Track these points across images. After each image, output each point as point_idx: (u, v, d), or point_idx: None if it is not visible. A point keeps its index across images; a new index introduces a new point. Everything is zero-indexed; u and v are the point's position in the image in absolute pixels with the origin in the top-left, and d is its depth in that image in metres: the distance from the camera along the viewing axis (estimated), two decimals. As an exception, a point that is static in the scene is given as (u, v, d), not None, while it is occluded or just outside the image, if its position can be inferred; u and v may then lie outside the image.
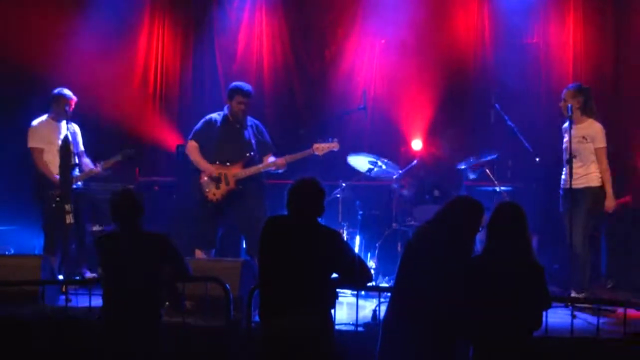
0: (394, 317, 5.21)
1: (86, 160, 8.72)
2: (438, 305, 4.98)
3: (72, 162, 8.15)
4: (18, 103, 10.01)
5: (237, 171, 8.21)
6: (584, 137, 7.75)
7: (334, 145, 8.33)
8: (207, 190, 8.21)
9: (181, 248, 5.89)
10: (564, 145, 7.88)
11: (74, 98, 8.58)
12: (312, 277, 5.13)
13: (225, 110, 8.40)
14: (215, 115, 8.45)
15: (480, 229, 5.28)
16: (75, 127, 8.67)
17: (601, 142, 7.79)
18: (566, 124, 7.79)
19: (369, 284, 5.83)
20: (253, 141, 8.37)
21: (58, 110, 8.53)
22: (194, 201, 8.37)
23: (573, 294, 7.49)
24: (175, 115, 11.02)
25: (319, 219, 5.34)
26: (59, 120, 8.57)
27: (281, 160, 8.28)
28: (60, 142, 8.30)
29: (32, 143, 8.50)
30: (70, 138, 8.21)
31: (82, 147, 8.77)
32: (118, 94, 10.53)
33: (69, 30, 10.44)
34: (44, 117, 8.58)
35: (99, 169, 8.62)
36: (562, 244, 7.99)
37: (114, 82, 10.56)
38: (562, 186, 7.90)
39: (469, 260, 5.16)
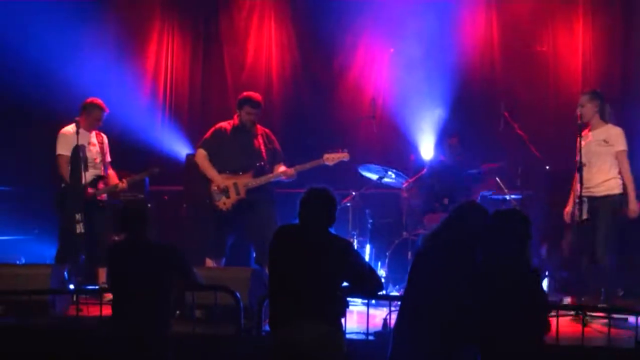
0: (404, 325, 5.20)
1: (112, 173, 8.68)
2: (447, 311, 4.97)
3: (85, 172, 8.13)
4: (26, 114, 10.06)
5: (247, 180, 8.21)
6: (604, 141, 7.70)
7: (344, 156, 8.34)
8: (217, 199, 8.22)
9: (191, 257, 5.90)
10: (582, 152, 7.83)
11: (107, 109, 8.54)
12: (323, 286, 5.12)
13: (236, 120, 8.41)
14: (225, 124, 8.46)
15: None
16: (104, 138, 8.64)
17: (622, 145, 7.72)
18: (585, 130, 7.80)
19: (380, 293, 5.82)
20: (263, 150, 8.37)
21: (89, 119, 8.47)
22: (204, 210, 8.38)
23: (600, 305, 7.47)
24: (185, 125, 11.05)
25: (330, 229, 5.34)
26: (89, 130, 8.52)
27: (291, 170, 8.29)
28: (88, 153, 8.31)
29: (60, 150, 8.38)
30: (85, 147, 8.22)
31: (109, 158, 8.72)
32: (127, 103, 10.54)
33: (79, 40, 10.49)
34: (72, 125, 8.34)
35: (124, 185, 8.59)
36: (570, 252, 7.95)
37: (123, 92, 10.59)
38: (580, 194, 7.80)
39: (474, 266, 5.16)
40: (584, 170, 7.60)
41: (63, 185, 8.36)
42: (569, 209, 7.94)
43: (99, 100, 8.55)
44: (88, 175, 8.23)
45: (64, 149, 8.37)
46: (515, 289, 4.93)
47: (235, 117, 8.43)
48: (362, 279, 5.28)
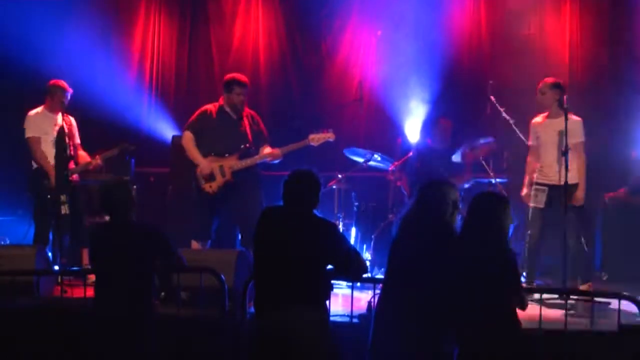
0: (385, 309, 5.21)
1: (82, 153, 8.66)
2: (426, 292, 4.99)
3: (68, 154, 8.16)
4: (12, 94, 10.01)
5: (233, 162, 8.19)
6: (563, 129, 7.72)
7: (329, 136, 8.32)
8: (203, 182, 8.20)
9: (176, 239, 5.88)
10: (537, 141, 7.91)
11: (70, 90, 8.54)
12: (307, 268, 5.11)
13: (221, 102, 8.39)
14: (211, 107, 8.42)
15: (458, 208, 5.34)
16: (72, 120, 8.63)
17: (581, 136, 7.79)
18: (538, 119, 7.82)
19: (364, 276, 5.83)
20: (249, 132, 8.35)
21: (53, 101, 8.49)
22: (190, 192, 8.37)
23: (580, 286, 7.55)
24: (171, 107, 11.01)
25: (315, 211, 5.34)
26: (54, 112, 8.53)
27: (277, 151, 8.27)
28: (55, 133, 8.31)
29: (29, 133, 8.44)
30: (65, 130, 8.21)
31: (78, 140, 8.72)
32: (114, 85, 10.51)
33: (64, 21, 10.43)
34: (40, 108, 8.53)
35: (97, 161, 8.59)
36: (554, 237, 7.98)
37: (109, 73, 10.55)
38: (542, 181, 7.89)
39: (451, 244, 5.18)
40: (541, 157, 7.83)
41: (34, 167, 8.40)
42: (526, 191, 8.03)
43: (61, 82, 8.56)
44: None
45: (32, 131, 8.44)
46: (490, 264, 4.97)
47: (221, 99, 8.40)
48: (347, 262, 5.28)
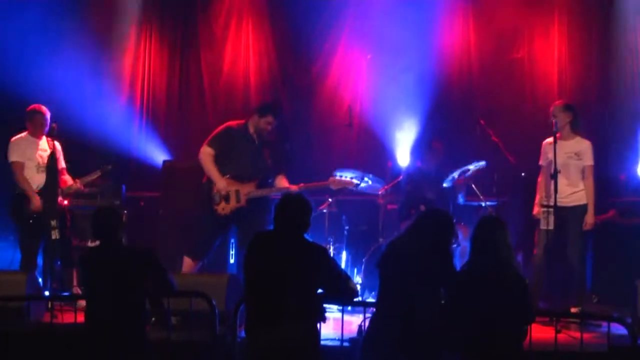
0: (378, 333, 5.22)
1: (66, 178, 8.65)
2: (422, 318, 5.00)
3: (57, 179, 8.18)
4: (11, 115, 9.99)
5: (250, 190, 8.09)
6: (575, 154, 7.84)
7: (350, 183, 8.30)
8: (216, 202, 8.09)
9: (167, 263, 5.88)
10: (547, 161, 7.95)
11: (48, 113, 8.56)
12: (298, 291, 5.12)
13: (248, 124, 8.32)
14: (235, 125, 8.33)
15: (454, 239, 5.37)
16: (56, 144, 8.56)
17: (591, 160, 7.91)
18: (550, 139, 7.86)
19: (355, 300, 5.84)
20: (270, 161, 8.30)
21: (34, 127, 8.54)
22: (200, 209, 8.31)
23: (573, 309, 7.61)
24: (162, 131, 10.99)
25: (306, 235, 5.36)
26: (37, 137, 8.57)
27: (294, 187, 8.17)
28: (39, 158, 8.40)
29: (12, 157, 8.46)
30: (47, 151, 8.28)
31: (63, 164, 8.71)
32: (104, 109, 10.51)
33: (55, 44, 10.44)
34: (24, 133, 8.57)
35: (78, 185, 8.60)
36: (547, 259, 8.01)
37: (100, 97, 10.55)
38: (546, 202, 7.93)
39: (451, 272, 5.20)
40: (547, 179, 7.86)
41: (17, 192, 8.42)
42: (538, 209, 8.07)
43: (38, 106, 8.61)
44: (40, 181, 8.35)
45: (15, 156, 8.47)
46: (507, 294, 4.98)
47: (250, 121, 8.32)
48: (338, 285, 5.29)
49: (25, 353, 6.47)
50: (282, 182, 8.29)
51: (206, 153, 8.21)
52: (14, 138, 8.57)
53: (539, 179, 8.26)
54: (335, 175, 8.32)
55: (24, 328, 6.90)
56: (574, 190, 7.84)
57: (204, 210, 8.23)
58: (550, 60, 10.33)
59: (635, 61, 9.97)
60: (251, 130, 8.26)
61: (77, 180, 8.61)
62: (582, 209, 7.84)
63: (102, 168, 8.76)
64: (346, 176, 8.77)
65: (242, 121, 8.37)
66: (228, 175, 8.14)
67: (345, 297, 5.48)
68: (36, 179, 8.40)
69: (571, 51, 10.26)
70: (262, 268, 5.21)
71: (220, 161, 8.18)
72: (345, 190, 9.09)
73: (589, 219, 7.87)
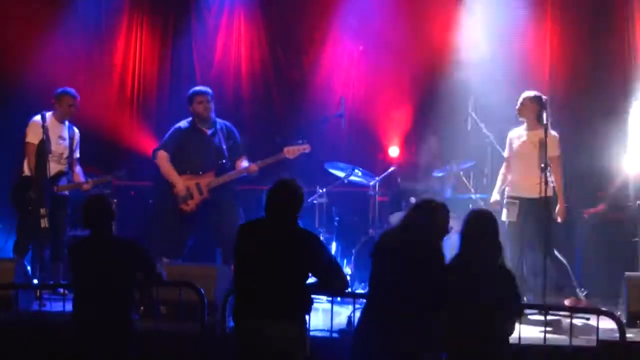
0: (369, 324, 5.21)
1: (78, 170, 8.59)
2: (412, 310, 5.00)
3: (48, 167, 8.08)
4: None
5: (209, 180, 8.18)
6: (538, 143, 7.77)
7: (304, 147, 8.32)
8: (180, 201, 8.17)
9: (156, 253, 5.87)
10: (514, 151, 7.98)
11: (78, 97, 8.49)
12: (289, 280, 5.08)
13: (194, 120, 8.39)
14: (184, 123, 8.44)
15: (448, 231, 5.36)
16: (76, 132, 8.54)
17: (557, 150, 7.87)
18: (514, 130, 8.03)
19: (345, 291, 5.80)
20: (224, 147, 8.34)
21: (62, 109, 8.42)
22: (164, 209, 8.34)
23: (567, 302, 7.64)
24: (153, 120, 10.96)
25: (298, 221, 5.29)
26: (62, 121, 8.47)
27: (253, 166, 8.25)
28: (55, 145, 8.27)
29: (30, 138, 8.27)
30: (67, 140, 8.25)
31: (77, 154, 8.63)
32: (95, 98, 10.46)
33: (45, 33, 10.39)
34: (49, 113, 8.25)
35: (89, 186, 8.52)
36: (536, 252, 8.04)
37: (91, 86, 10.50)
38: (514, 194, 7.97)
39: (441, 264, 5.20)
40: (511, 170, 7.98)
41: (22, 175, 8.31)
42: (496, 199, 8.16)
43: (69, 89, 8.50)
44: (52, 170, 8.18)
45: (32, 137, 8.26)
46: (495, 287, 4.99)
47: (191, 115, 8.43)
48: (329, 274, 5.24)
49: (13, 342, 6.44)
50: (240, 165, 8.32)
51: (161, 156, 8.37)
52: (35, 118, 8.25)
53: (502, 170, 8.28)
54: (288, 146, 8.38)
55: (12, 317, 6.89)
56: (537, 181, 7.74)
57: (167, 210, 8.31)
58: (542, 53, 10.33)
59: (627, 55, 9.97)
60: (198, 123, 8.37)
61: (90, 182, 8.50)
62: (547, 199, 7.59)
63: (115, 173, 8.68)
64: (336, 171, 8.80)
65: (189, 119, 8.44)
66: (188, 172, 8.25)
67: (336, 287, 5.42)
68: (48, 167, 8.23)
69: (563, 44, 10.26)
70: (254, 257, 5.13)
71: (177, 161, 8.31)
72: (336, 181, 9.11)
73: (561, 210, 7.83)
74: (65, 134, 8.46)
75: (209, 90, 8.44)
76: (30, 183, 8.19)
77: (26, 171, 8.32)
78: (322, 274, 5.25)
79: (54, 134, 8.30)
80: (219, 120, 8.48)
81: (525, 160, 7.87)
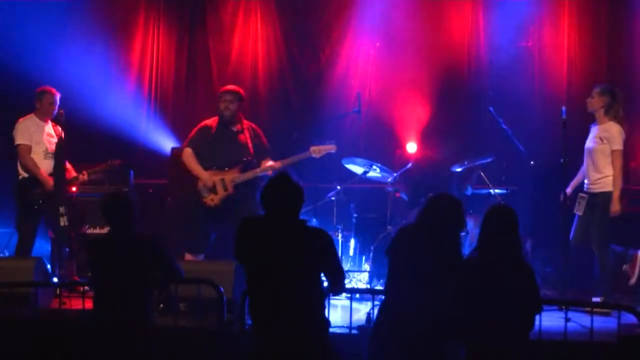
0: (388, 321, 5.20)
1: (68, 166, 8.60)
2: (431, 307, 4.98)
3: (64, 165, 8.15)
4: (5, 104, 9.97)
5: (234, 176, 8.19)
6: (601, 138, 7.75)
7: (331, 148, 8.34)
8: (205, 196, 8.19)
9: (174, 250, 5.86)
10: (585, 145, 7.97)
11: (57, 94, 8.52)
12: (303, 277, 4.94)
13: (220, 118, 8.41)
14: (210, 122, 8.47)
15: (464, 226, 5.34)
16: (60, 130, 8.45)
17: (618, 144, 7.75)
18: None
19: (345, 288, 5.65)
20: (250, 144, 8.36)
21: (43, 108, 8.47)
22: (189, 205, 8.36)
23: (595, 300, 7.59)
24: (170, 118, 10.98)
25: (301, 216, 5.14)
26: (45, 120, 8.52)
27: (278, 164, 8.25)
28: (47, 143, 8.35)
29: (19, 139, 8.34)
30: (55, 137, 8.28)
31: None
32: (112, 96, 10.50)
33: (62, 31, 10.43)
34: (31, 115, 8.47)
35: (85, 177, 8.58)
36: (555, 247, 8.00)
37: (108, 84, 10.54)
38: (585, 189, 7.95)
39: (460, 260, 5.19)
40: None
41: (21, 177, 8.35)
42: (569, 192, 8.09)
43: (48, 87, 8.55)
44: (47, 167, 8.25)
45: (23, 139, 8.34)
46: (514, 282, 4.97)
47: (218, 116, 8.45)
48: (334, 270, 5.12)
49: (32, 340, 6.45)
50: (265, 163, 8.37)
51: (187, 153, 8.39)
52: (20, 120, 8.45)
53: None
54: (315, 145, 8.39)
55: (32, 315, 6.91)
56: (600, 175, 7.72)
57: (192, 205, 8.33)
58: (559, 49, 10.29)
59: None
60: (223, 121, 8.38)
61: (85, 173, 8.58)
62: (608, 195, 7.66)
63: (109, 163, 8.74)
64: (353, 166, 8.78)
65: (216, 117, 8.48)
66: (213, 168, 8.26)
67: (338, 283, 5.19)
68: (44, 165, 8.32)
69: (580, 41, 10.23)
70: (262, 256, 4.95)
71: (203, 157, 8.32)
72: (354, 177, 9.10)
73: (615, 205, 7.68)
74: (52, 131, 8.51)
75: (232, 89, 8.46)
76: (32, 183, 8.26)
77: (22, 173, 8.36)
78: (329, 269, 5.10)
79: (41, 133, 8.42)
80: (245, 120, 8.50)
81: (590, 154, 7.84)
